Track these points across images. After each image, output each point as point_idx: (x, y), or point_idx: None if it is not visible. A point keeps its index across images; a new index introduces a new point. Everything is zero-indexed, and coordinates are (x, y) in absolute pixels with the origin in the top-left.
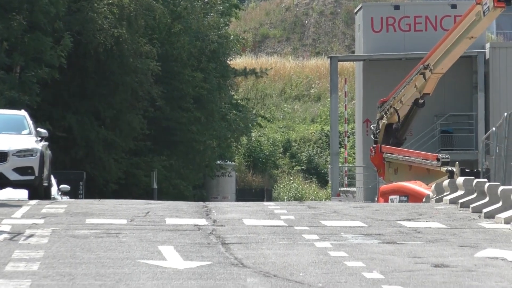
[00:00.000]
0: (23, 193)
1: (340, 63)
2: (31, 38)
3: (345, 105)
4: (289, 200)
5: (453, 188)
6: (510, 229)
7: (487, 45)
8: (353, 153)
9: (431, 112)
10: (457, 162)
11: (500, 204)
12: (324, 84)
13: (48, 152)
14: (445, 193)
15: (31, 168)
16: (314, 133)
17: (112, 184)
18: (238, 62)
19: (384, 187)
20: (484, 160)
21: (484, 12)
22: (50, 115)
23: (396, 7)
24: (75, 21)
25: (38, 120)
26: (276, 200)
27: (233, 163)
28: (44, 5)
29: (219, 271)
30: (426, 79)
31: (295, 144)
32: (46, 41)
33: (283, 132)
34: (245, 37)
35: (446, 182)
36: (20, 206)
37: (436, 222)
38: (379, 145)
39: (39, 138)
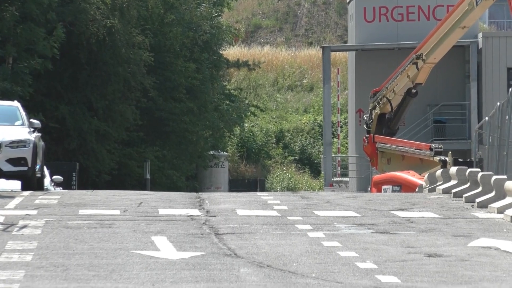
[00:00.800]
0: (16, 184)
1: (332, 53)
2: (24, 29)
3: (338, 95)
4: (282, 191)
5: (446, 178)
6: (503, 218)
7: (480, 35)
8: (346, 143)
9: (423, 101)
10: (450, 152)
11: (493, 193)
12: (317, 74)
13: (41, 143)
14: (438, 183)
15: (24, 159)
16: (307, 123)
17: (105, 175)
18: (230, 52)
19: (377, 177)
20: (477, 149)
21: (476, 2)
22: (43, 106)
23: None
24: (68, 12)
25: (31, 111)
26: (269, 191)
27: (225, 153)
28: None
29: (213, 262)
30: (419, 69)
31: (288, 135)
32: (38, 32)
33: (276, 122)
34: (238, 28)
35: (439, 172)
36: (13, 197)
37: (429, 212)
38: (372, 135)
39: (32, 129)
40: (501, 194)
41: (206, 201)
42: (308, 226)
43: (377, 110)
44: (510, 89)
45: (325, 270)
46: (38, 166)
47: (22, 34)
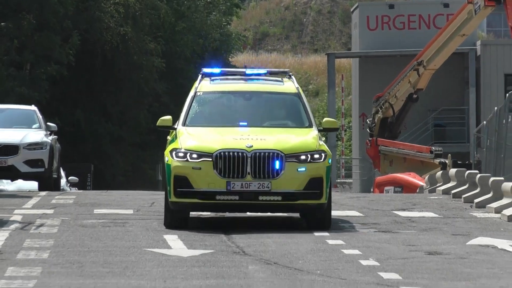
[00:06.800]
0: (33, 185)
1: (337, 60)
2: (41, 36)
3: (342, 100)
4: None
5: (446, 179)
6: (500, 218)
7: (478, 43)
8: (350, 146)
9: (424, 106)
10: (450, 155)
11: (490, 194)
12: (322, 80)
13: (57, 145)
14: (438, 184)
15: (41, 160)
16: None
17: (119, 177)
18: (239, 59)
19: (379, 178)
20: (475, 152)
21: (475, 11)
22: (59, 111)
23: (391, 6)
24: (83, 20)
25: (47, 115)
26: None
27: None
28: (53, 5)
29: (222, 259)
30: (420, 75)
31: None
32: (55, 40)
33: None
34: (246, 35)
35: (439, 174)
36: (30, 197)
37: (429, 211)
38: (374, 138)
39: (48, 132)
40: (499, 195)
41: None
42: None
43: (380, 115)
44: (507, 95)
45: (330, 267)
46: (54, 167)
47: (39, 41)
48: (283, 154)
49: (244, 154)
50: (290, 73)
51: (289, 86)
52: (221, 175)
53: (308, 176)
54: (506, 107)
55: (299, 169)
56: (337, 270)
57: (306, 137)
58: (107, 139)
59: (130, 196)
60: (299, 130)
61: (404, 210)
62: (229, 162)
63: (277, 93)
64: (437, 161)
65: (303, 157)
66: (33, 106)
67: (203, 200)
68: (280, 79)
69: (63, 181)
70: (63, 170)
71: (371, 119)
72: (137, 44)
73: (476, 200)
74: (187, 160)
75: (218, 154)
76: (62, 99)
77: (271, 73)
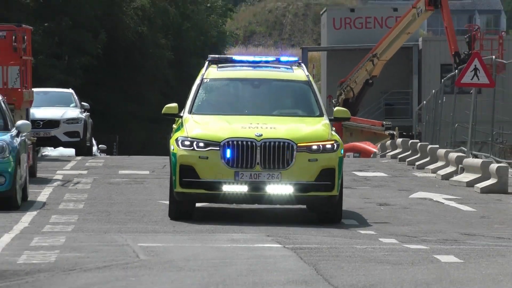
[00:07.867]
0: (71, 151)
1: (309, 53)
2: (76, 33)
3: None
4: None
5: (394, 147)
6: (435, 177)
7: (420, 39)
8: None
9: (377, 89)
10: (397, 127)
11: (428, 158)
12: None
13: (90, 120)
14: (387, 151)
15: (77, 132)
16: None
17: (138, 145)
18: (232, 52)
19: None
20: (417, 126)
21: (418, 14)
22: (91, 93)
23: (352, 10)
24: (109, 21)
25: (81, 96)
26: None
27: None
28: (85, 9)
29: (222, 208)
30: (374, 65)
31: None
32: (87, 36)
33: None
34: (238, 33)
35: (388, 142)
36: (69, 161)
37: (380, 172)
38: None
39: (83, 110)
40: (435, 159)
41: None
42: None
43: (343, 96)
44: (442, 80)
45: (303, 217)
46: (87, 137)
47: (74, 38)
48: (294, 144)
49: (254, 143)
50: (300, 61)
51: (299, 73)
52: (229, 165)
53: (320, 167)
54: (441, 90)
55: (310, 160)
56: (309, 218)
57: (317, 126)
58: (128, 115)
59: (147, 160)
60: (310, 119)
61: (361, 171)
62: (237, 152)
63: (286, 80)
64: (387, 132)
65: (314, 147)
66: (70, 89)
67: (210, 191)
68: (289, 66)
69: (94, 148)
70: (95, 139)
71: (336, 99)
72: (151, 40)
73: (417, 163)
74: (193, 149)
75: (226, 143)
76: (93, 83)
77: (279, 61)
